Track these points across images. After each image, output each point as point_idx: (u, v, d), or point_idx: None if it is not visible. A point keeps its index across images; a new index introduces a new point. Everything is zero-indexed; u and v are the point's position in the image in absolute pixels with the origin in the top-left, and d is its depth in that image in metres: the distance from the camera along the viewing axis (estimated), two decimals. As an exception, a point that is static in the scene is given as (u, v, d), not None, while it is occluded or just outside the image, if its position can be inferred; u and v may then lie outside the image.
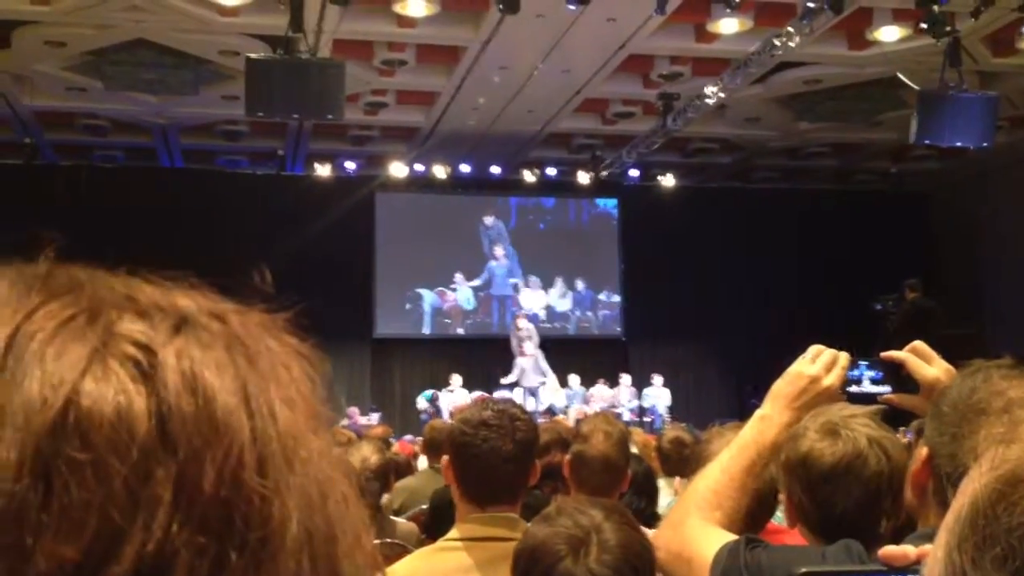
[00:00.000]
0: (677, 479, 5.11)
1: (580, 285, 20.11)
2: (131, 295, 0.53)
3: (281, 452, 0.50)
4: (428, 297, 19.54)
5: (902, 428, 4.01)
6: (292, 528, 0.49)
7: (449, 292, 19.61)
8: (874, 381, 2.05)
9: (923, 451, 1.54)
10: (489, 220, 19.91)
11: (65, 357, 0.47)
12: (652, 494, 4.54)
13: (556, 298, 20.01)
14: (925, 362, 1.91)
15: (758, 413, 1.99)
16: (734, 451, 1.95)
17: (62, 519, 0.44)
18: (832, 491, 2.02)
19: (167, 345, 0.50)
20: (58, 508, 0.44)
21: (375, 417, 16.92)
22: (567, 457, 3.45)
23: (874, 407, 2.06)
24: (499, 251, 19.88)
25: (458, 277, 19.60)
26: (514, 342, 17.61)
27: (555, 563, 1.72)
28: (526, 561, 1.77)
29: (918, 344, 1.95)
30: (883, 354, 1.95)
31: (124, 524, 0.45)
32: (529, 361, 17.35)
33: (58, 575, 0.44)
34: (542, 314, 19.49)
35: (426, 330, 19.55)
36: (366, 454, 4.18)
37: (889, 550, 1.30)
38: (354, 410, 16.93)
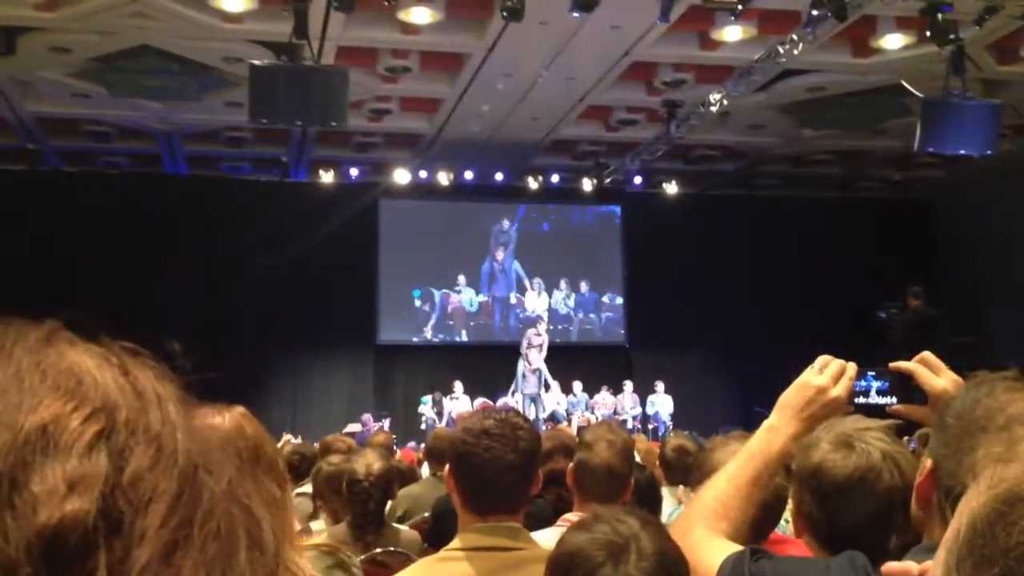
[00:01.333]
0: (680, 487, 5.09)
1: (584, 287, 20.12)
2: None
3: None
4: (433, 297, 19.56)
5: (906, 437, 4.00)
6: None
7: (453, 294, 19.63)
8: (881, 392, 2.04)
9: (928, 463, 1.53)
10: (505, 224, 19.93)
11: None
12: (655, 502, 4.52)
13: (559, 301, 20.02)
14: (934, 373, 1.90)
15: (765, 424, 1.98)
16: (740, 461, 1.94)
17: None
18: (843, 503, 2.00)
19: None
20: None
21: (387, 423, 16.99)
22: (571, 466, 3.45)
23: (889, 421, 2.05)
24: (503, 254, 19.88)
25: (461, 279, 19.61)
26: (524, 345, 17.59)
27: (594, 569, 1.72)
28: (564, 567, 1.76)
29: (927, 354, 1.93)
30: (891, 364, 1.94)
31: None
32: (537, 373, 17.36)
33: None
34: (545, 317, 19.50)
35: (429, 333, 19.56)
36: (370, 461, 4.18)
37: (892, 566, 1.29)
38: (368, 416, 16.98)
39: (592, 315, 20.20)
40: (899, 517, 1.94)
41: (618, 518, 1.79)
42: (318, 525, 4.41)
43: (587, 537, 1.76)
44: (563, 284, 20.04)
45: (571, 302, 20.08)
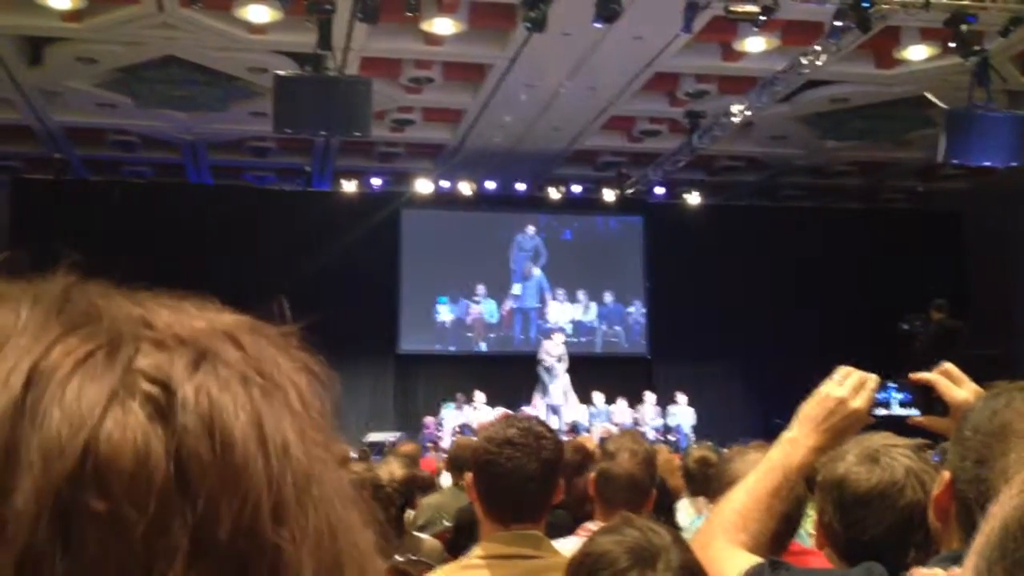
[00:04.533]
0: (702, 498, 5.09)
1: (608, 298, 20.04)
2: (148, 321, 0.52)
3: (295, 496, 0.50)
4: (453, 309, 19.56)
5: (929, 452, 3.98)
6: (303, 574, 0.49)
7: (473, 305, 19.61)
8: (903, 403, 2.04)
9: (946, 475, 1.53)
10: (528, 234, 19.89)
11: (84, 398, 0.47)
12: (668, 509, 4.52)
13: (582, 312, 19.95)
14: (955, 384, 1.90)
15: (785, 435, 1.98)
16: (760, 473, 1.94)
17: (79, 570, 0.44)
18: (863, 516, 2.00)
19: (186, 383, 0.49)
20: (76, 559, 0.44)
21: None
22: (592, 475, 3.45)
23: (918, 440, 2.05)
24: (526, 265, 19.84)
25: (480, 289, 19.58)
26: (543, 356, 17.58)
27: (618, 574, 1.71)
28: (588, 568, 1.76)
29: (948, 366, 1.93)
30: (912, 376, 1.94)
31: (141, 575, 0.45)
32: (557, 383, 17.34)
33: None
34: (569, 328, 19.43)
35: (448, 345, 19.55)
36: (393, 469, 4.20)
37: (920, 571, 1.30)
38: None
39: (617, 326, 20.11)
40: (919, 533, 1.94)
41: (650, 527, 1.78)
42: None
43: (614, 540, 1.75)
44: (584, 295, 19.97)
45: (593, 313, 20.01)
